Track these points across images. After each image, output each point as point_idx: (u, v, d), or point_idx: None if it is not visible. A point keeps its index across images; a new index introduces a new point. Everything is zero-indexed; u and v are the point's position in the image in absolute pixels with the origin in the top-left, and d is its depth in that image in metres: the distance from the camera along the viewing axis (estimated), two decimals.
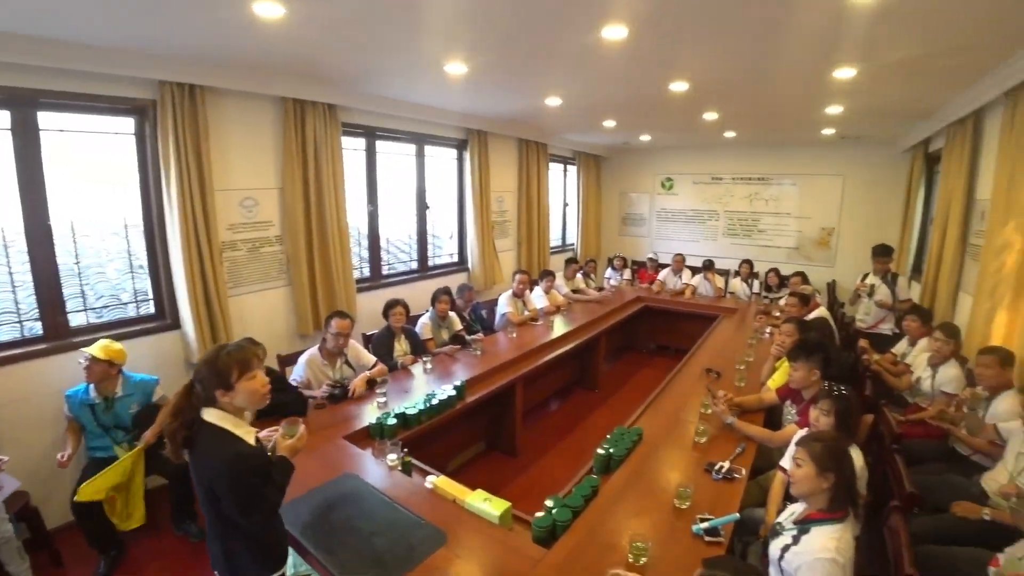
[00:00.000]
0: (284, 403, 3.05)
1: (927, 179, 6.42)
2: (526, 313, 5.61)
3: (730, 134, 7.39)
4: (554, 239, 9.23)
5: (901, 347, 4.65)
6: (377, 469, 2.59)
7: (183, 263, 3.73)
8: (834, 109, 5.21)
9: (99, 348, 3.05)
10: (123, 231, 3.80)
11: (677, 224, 9.64)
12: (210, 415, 1.76)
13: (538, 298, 6.01)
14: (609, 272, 8.39)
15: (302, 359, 3.65)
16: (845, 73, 3.75)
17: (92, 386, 3.09)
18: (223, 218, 4.08)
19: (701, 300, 7.13)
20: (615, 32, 2.95)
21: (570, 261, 7.22)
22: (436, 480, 2.42)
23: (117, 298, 3.84)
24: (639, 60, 3.57)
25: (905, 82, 4.09)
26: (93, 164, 3.67)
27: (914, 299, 5.62)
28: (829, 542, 1.73)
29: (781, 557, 1.84)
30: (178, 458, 1.77)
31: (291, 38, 3.16)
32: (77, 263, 3.59)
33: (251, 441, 1.81)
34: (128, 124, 3.69)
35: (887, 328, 5.58)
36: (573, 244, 9.82)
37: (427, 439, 3.37)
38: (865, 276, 5.93)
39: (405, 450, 2.65)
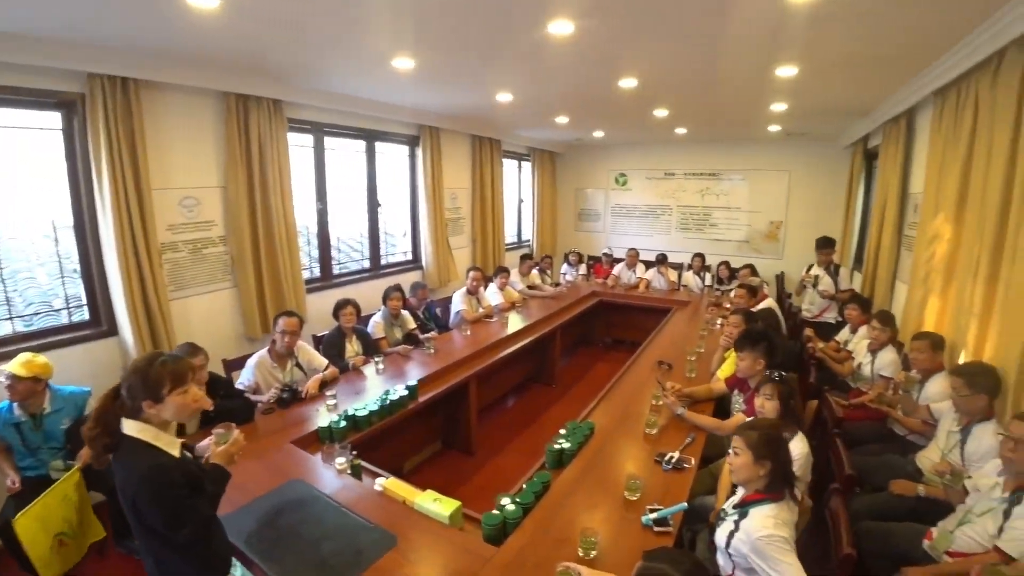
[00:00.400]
0: (229, 409, 2.95)
1: (866, 174, 6.69)
2: (480, 310, 5.59)
3: (681, 130, 7.53)
4: (510, 236, 9.23)
5: (844, 334, 4.84)
6: (326, 473, 2.53)
7: (119, 266, 3.55)
8: (779, 106, 5.36)
9: (20, 364, 2.79)
10: (53, 233, 3.59)
11: (632, 219, 9.77)
12: (130, 427, 1.67)
13: (493, 295, 6.00)
14: (565, 268, 8.45)
15: (250, 362, 3.55)
16: (787, 71, 3.86)
17: (16, 404, 2.85)
18: (162, 218, 3.90)
19: (655, 294, 7.25)
20: (561, 27, 2.95)
21: (525, 257, 7.24)
22: (386, 482, 2.38)
23: (48, 304, 3.64)
24: (587, 56, 3.59)
25: (844, 81, 4.25)
26: (18, 162, 3.45)
27: (856, 288, 5.86)
28: (767, 520, 1.79)
29: (727, 544, 1.89)
30: (101, 464, 1.68)
31: (229, 31, 3.04)
32: (2, 268, 3.38)
33: (174, 453, 1.72)
34: (55, 119, 3.48)
35: (831, 317, 5.81)
36: (529, 240, 9.84)
37: (380, 441, 3.32)
38: (810, 267, 6.17)
39: (354, 453, 2.60)
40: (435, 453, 4.36)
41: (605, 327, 7.49)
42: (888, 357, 3.93)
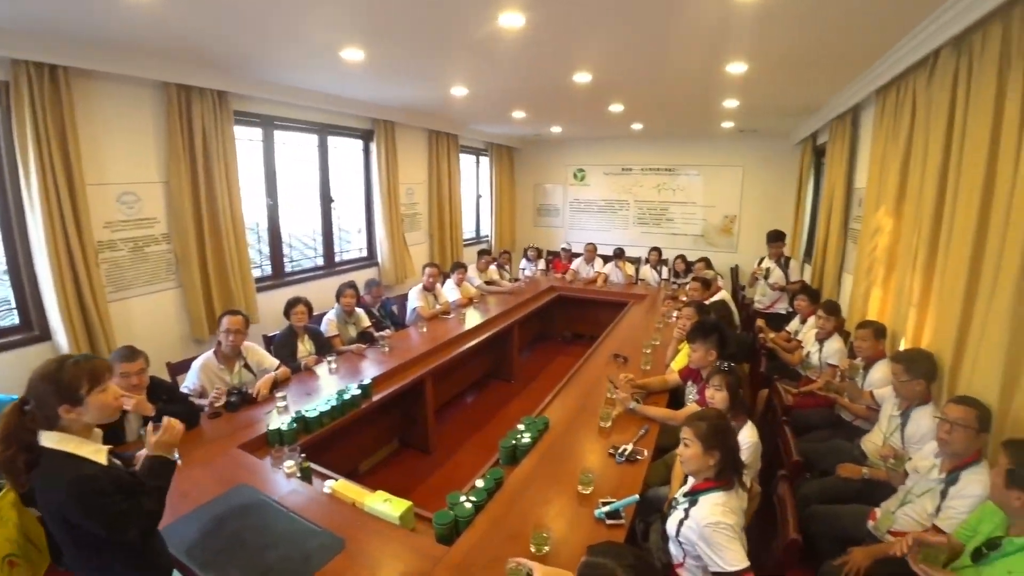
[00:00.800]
0: (173, 415, 2.80)
1: (815, 170, 6.89)
2: (437, 307, 5.53)
3: (637, 126, 7.61)
4: (468, 231, 9.17)
5: (794, 325, 4.98)
6: (274, 478, 2.45)
7: (50, 266, 3.36)
8: (731, 103, 5.47)
9: None
10: None
11: (590, 214, 9.84)
12: (48, 439, 1.56)
13: (450, 291, 5.94)
14: (524, 263, 8.45)
15: (195, 364, 3.39)
16: (737, 68, 3.93)
17: None
18: (98, 215, 3.71)
19: (613, 288, 7.32)
20: (512, 19, 2.93)
21: (483, 253, 7.20)
22: (335, 484, 2.32)
23: None
24: (540, 50, 3.58)
25: (791, 79, 4.36)
26: None
27: (806, 280, 6.03)
28: (715, 508, 1.82)
29: (678, 532, 1.91)
30: (22, 487, 1.57)
31: (164, 17, 2.91)
32: None
33: (101, 460, 1.62)
34: None
35: (782, 308, 5.97)
36: (488, 236, 9.80)
37: (333, 442, 3.24)
38: (761, 260, 6.32)
39: (303, 455, 2.52)
40: (392, 452, 4.28)
41: (564, 321, 7.52)
42: (834, 346, 4.06)
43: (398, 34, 3.31)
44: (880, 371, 3.32)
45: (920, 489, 2.37)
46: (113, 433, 2.54)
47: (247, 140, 4.95)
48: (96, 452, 1.63)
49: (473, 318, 5.43)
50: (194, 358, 3.50)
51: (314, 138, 5.77)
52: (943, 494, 2.25)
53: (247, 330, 3.51)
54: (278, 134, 5.26)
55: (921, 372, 2.75)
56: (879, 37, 3.26)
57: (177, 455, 2.57)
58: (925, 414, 2.73)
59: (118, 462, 1.76)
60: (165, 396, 3.01)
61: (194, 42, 3.44)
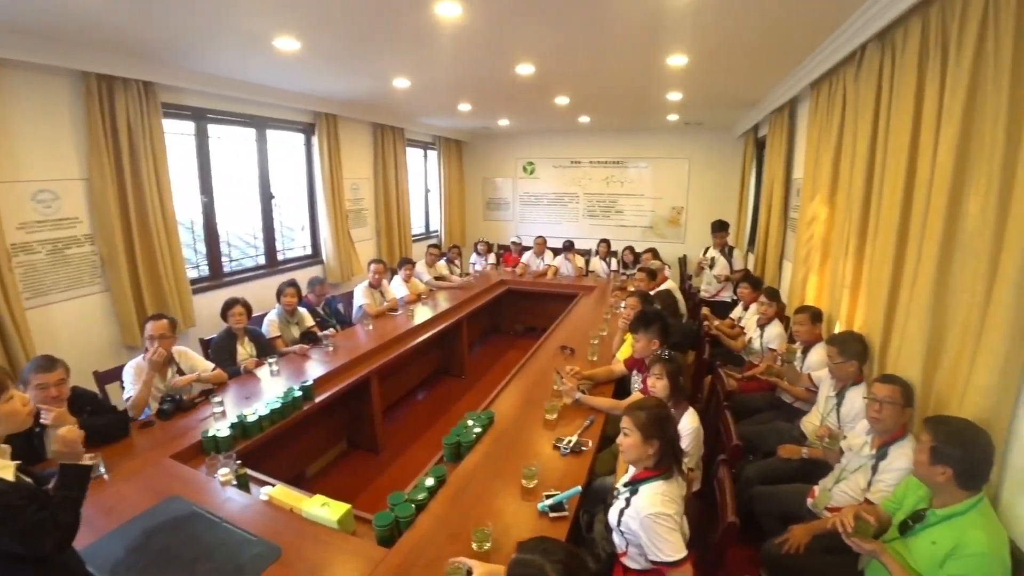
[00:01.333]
0: (98, 427, 2.65)
1: (757, 161, 7.10)
2: (384, 304, 5.42)
3: (584, 119, 7.65)
4: (417, 227, 9.05)
5: (737, 312, 5.12)
6: (209, 487, 2.33)
7: None
8: (674, 96, 5.55)
9: None
10: None
11: (540, 207, 9.86)
12: None
13: (397, 287, 5.83)
14: (474, 257, 8.39)
15: (128, 372, 3.19)
16: (677, 60, 3.97)
17: None
18: (11, 215, 3.45)
19: (563, 280, 7.35)
20: (449, 9, 2.87)
21: (431, 247, 7.11)
22: (272, 491, 2.23)
23: None
24: (481, 41, 3.54)
25: (730, 72, 4.45)
26: None
27: (750, 268, 6.21)
28: (655, 497, 1.83)
29: (619, 522, 1.91)
30: None
31: (81, 2, 2.72)
32: None
33: (7, 476, 1.50)
34: None
35: (727, 296, 6.14)
36: (437, 231, 9.69)
37: (276, 447, 3.14)
38: (706, 250, 6.48)
39: (239, 462, 2.42)
40: (341, 454, 4.18)
41: (515, 315, 7.52)
42: (775, 331, 4.19)
43: (334, 23, 3.19)
44: (817, 354, 3.44)
45: (854, 466, 2.47)
46: (31, 450, 2.36)
47: (178, 134, 4.71)
48: (3, 468, 1.51)
49: (422, 314, 5.35)
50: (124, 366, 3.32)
51: (251, 132, 5.55)
52: (874, 469, 2.36)
53: (175, 334, 3.32)
54: (212, 128, 5.03)
55: (853, 353, 2.85)
56: (811, 31, 3.36)
57: (103, 469, 2.44)
58: (858, 394, 2.83)
59: (28, 479, 1.63)
60: (89, 407, 2.83)
61: (115, 29, 3.23)
